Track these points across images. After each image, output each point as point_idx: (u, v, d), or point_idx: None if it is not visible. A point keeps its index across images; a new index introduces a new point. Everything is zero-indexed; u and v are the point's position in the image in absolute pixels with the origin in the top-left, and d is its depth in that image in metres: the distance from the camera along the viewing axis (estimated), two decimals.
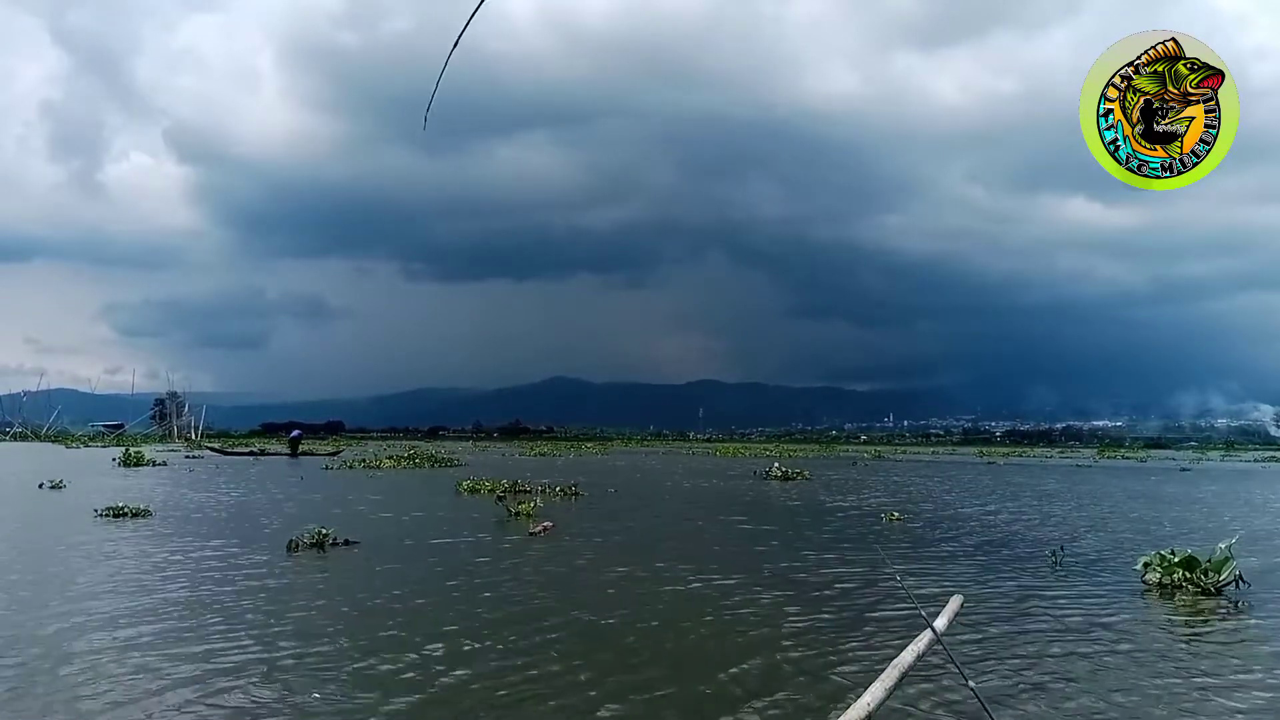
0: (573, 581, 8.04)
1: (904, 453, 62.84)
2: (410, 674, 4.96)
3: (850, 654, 5.54)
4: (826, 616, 6.66)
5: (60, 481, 18.86)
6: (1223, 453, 71.83)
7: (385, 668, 5.09)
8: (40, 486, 18.26)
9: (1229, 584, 7.61)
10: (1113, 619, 6.69)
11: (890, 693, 4.22)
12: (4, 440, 78.94)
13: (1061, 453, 68.91)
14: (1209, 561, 7.74)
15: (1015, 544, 11.07)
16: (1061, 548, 10.03)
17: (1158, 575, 7.88)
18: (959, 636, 5.84)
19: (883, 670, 4.38)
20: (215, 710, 4.33)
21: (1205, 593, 7.51)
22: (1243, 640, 6.17)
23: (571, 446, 70.01)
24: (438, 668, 5.08)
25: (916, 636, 4.84)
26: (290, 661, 5.19)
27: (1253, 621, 6.74)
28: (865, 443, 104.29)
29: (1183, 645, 5.95)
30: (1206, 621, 6.72)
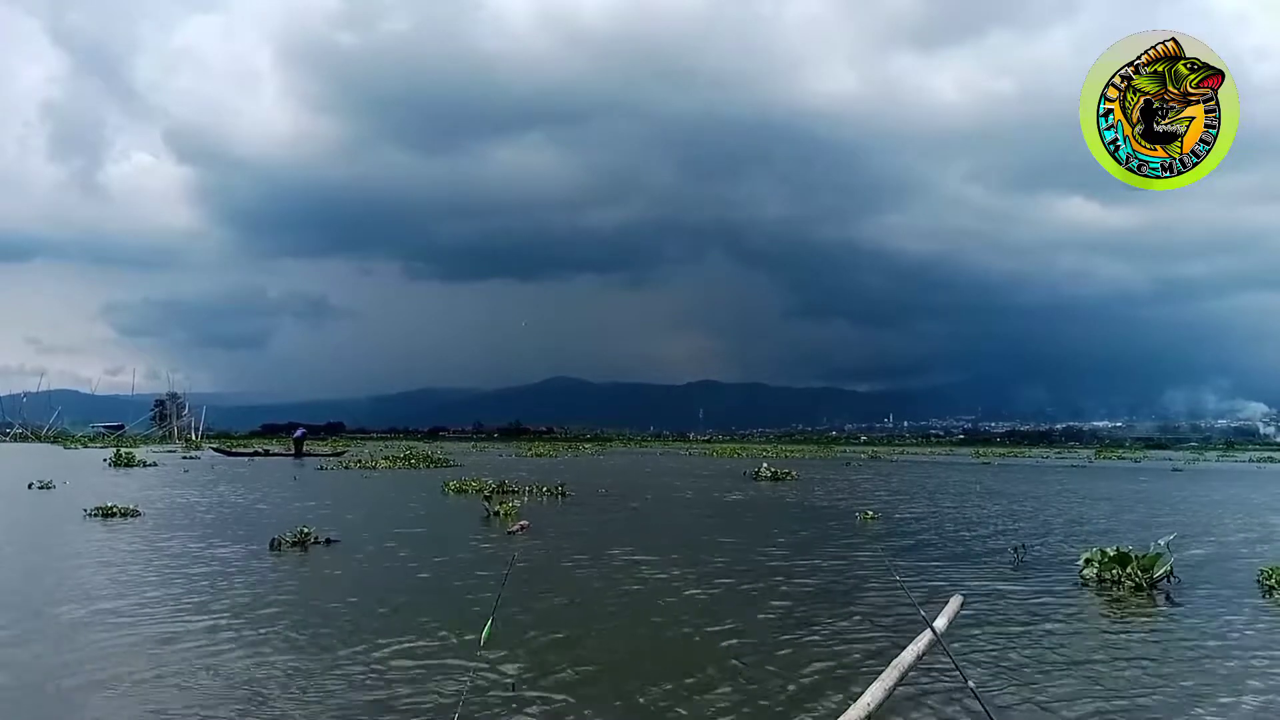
0: (537, 578, 8.09)
1: (901, 453, 62.86)
2: (367, 655, 5.16)
3: (845, 653, 5.54)
4: (816, 615, 6.65)
5: (50, 482, 18.87)
6: (1219, 453, 71.94)
7: (345, 652, 5.31)
8: (30, 487, 18.26)
9: (1162, 579, 7.88)
10: (1075, 613, 6.93)
11: (890, 693, 4.22)
12: (4, 441, 78.92)
13: (1059, 453, 68.95)
14: (1143, 558, 8.06)
15: (983, 542, 11.30)
16: (1024, 545, 10.27)
17: (1095, 570, 8.21)
18: (956, 635, 5.86)
19: (882, 670, 4.39)
20: (191, 701, 4.36)
21: (1139, 588, 7.78)
22: (1175, 635, 6.31)
23: (569, 447, 70.02)
24: (391, 655, 5.24)
25: (916, 637, 4.85)
26: (253, 650, 5.38)
27: (1177, 615, 6.97)
28: (865, 443, 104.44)
29: (1148, 641, 6.07)
30: (1141, 616, 6.96)
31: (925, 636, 4.68)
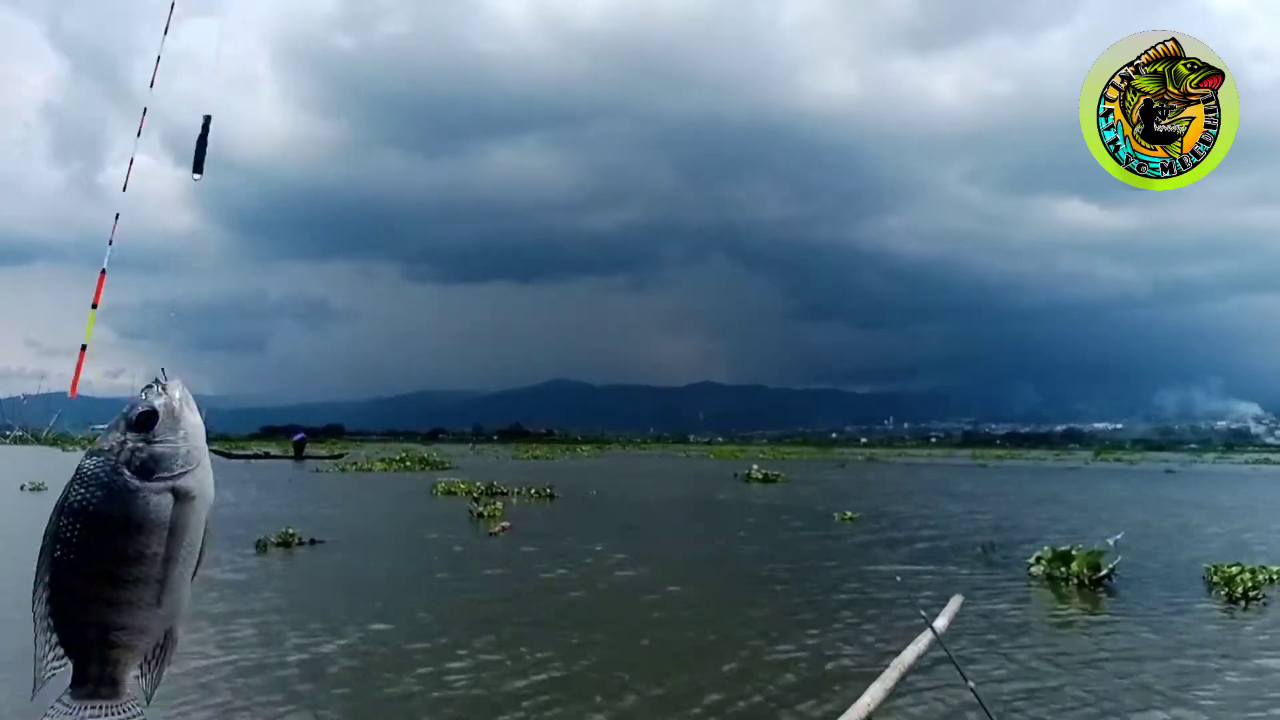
0: (513, 578, 8.17)
1: (899, 455, 63.03)
2: (343, 649, 5.34)
3: (841, 653, 5.53)
4: (806, 615, 6.66)
5: (42, 484, 18.80)
6: (1217, 455, 71.99)
7: (325, 647, 5.52)
8: (21, 488, 18.17)
9: (1105, 576, 8.19)
10: (1020, 607, 7.17)
11: (890, 693, 4.22)
12: (3, 444, 78.73)
13: (1058, 455, 68.86)
14: (1087, 555, 8.39)
15: (957, 541, 11.49)
16: (992, 544, 10.46)
17: (1043, 568, 8.58)
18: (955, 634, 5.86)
19: (878, 670, 4.38)
20: (163, 692, 4.36)
21: (1082, 584, 8.09)
22: (1127, 633, 6.42)
23: (567, 449, 70.00)
24: (370, 651, 5.42)
25: (916, 637, 4.84)
26: (228, 640, 5.60)
27: (1119, 611, 7.19)
28: (865, 445, 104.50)
29: (1128, 643, 6.13)
30: (1085, 613, 7.18)
31: (925, 636, 4.67)
